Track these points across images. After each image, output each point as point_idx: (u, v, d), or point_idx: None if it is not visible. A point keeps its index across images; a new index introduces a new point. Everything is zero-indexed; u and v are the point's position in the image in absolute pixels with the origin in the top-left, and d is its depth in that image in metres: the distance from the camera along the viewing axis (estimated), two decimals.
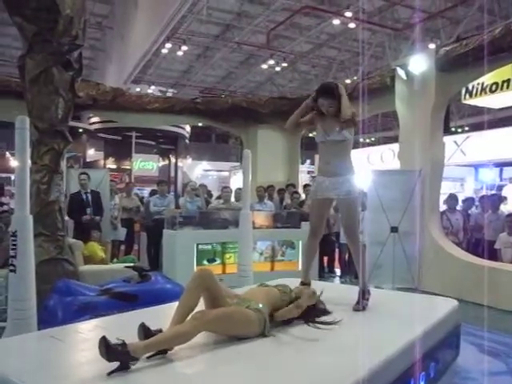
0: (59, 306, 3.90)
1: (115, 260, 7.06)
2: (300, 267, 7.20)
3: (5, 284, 4.06)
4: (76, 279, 4.53)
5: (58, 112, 4.67)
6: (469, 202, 8.20)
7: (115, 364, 2.00)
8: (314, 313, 2.84)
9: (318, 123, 3.45)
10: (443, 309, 3.28)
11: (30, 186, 3.52)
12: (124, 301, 4.04)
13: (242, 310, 2.49)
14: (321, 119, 3.43)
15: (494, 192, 11.61)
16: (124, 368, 2.01)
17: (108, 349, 1.99)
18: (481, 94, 10.47)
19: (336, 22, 14.38)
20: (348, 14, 13.63)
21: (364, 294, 3.30)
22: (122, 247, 8.61)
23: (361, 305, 3.22)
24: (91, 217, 6.93)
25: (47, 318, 3.64)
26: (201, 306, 2.51)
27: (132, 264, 5.28)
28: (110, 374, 1.98)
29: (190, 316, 2.32)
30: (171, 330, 2.26)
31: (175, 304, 3.21)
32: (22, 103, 4.83)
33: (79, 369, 2.11)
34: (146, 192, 16.44)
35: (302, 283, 3.50)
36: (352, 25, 14.32)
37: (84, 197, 7.08)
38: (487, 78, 9.62)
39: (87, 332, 2.64)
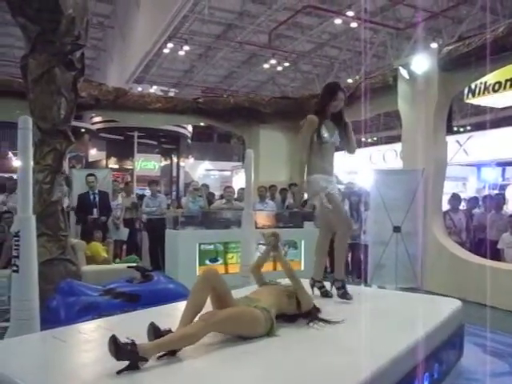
0: (62, 306, 3.91)
1: (118, 260, 7.06)
2: (303, 267, 7.20)
3: (8, 284, 4.06)
4: (78, 279, 4.54)
5: (60, 112, 4.67)
6: (472, 201, 8.18)
7: (119, 364, 2.00)
8: (317, 312, 2.86)
9: (319, 126, 3.51)
10: (447, 309, 3.26)
11: (32, 186, 3.52)
12: (127, 301, 4.05)
13: (250, 310, 2.49)
14: (322, 122, 3.53)
15: (496, 192, 11.59)
16: (133, 368, 2.01)
17: (117, 348, 1.98)
18: (484, 93, 10.44)
19: (338, 21, 14.39)
20: (350, 13, 13.62)
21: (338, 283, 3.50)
22: (125, 247, 8.61)
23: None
24: (97, 217, 6.96)
25: (50, 318, 3.64)
26: (208, 306, 2.50)
27: (134, 264, 5.28)
28: (119, 372, 1.98)
29: (197, 317, 2.32)
30: (180, 331, 2.25)
31: (178, 304, 3.22)
32: (24, 103, 4.84)
33: (82, 370, 2.11)
34: (148, 192, 16.47)
35: (315, 281, 3.53)
36: (354, 24, 14.32)
37: (92, 197, 7.12)
38: (490, 78, 9.59)
39: (90, 332, 2.63)
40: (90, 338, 2.53)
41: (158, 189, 8.69)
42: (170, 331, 2.24)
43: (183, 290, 4.55)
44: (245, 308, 2.51)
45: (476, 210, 8.08)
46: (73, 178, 7.62)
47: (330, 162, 3.56)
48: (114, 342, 1.98)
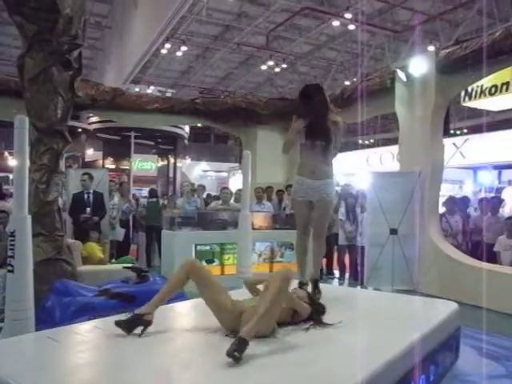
0: (57, 306, 3.89)
1: (113, 260, 7.04)
2: None
3: (2, 284, 4.04)
4: (74, 279, 4.51)
5: (57, 111, 4.64)
6: (464, 201, 8.08)
7: (115, 364, 1.99)
8: (314, 315, 2.84)
9: (303, 127, 3.47)
10: (443, 312, 3.26)
11: (28, 186, 3.50)
12: (122, 301, 4.03)
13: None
14: (305, 123, 3.47)
15: (492, 194, 11.64)
16: (146, 326, 2.51)
17: (125, 323, 2.46)
18: (480, 96, 10.47)
19: (336, 23, 14.39)
20: (348, 15, 13.63)
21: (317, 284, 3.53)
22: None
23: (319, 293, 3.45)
24: (90, 217, 6.91)
25: (45, 319, 3.63)
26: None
27: (130, 264, 5.26)
28: (141, 334, 2.47)
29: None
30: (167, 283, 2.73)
31: (173, 305, 3.21)
32: (20, 102, 4.80)
33: (76, 370, 2.09)
34: (144, 192, 16.45)
35: (301, 283, 3.50)
36: (351, 26, 14.32)
37: (86, 196, 7.07)
38: (486, 81, 9.63)
39: (85, 333, 2.62)
40: (85, 338, 2.52)
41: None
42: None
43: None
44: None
45: (473, 213, 8.07)
46: (69, 178, 7.58)
47: (314, 164, 3.47)
48: (119, 324, 2.47)
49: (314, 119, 3.43)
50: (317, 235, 3.62)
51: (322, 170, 3.48)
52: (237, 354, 2.09)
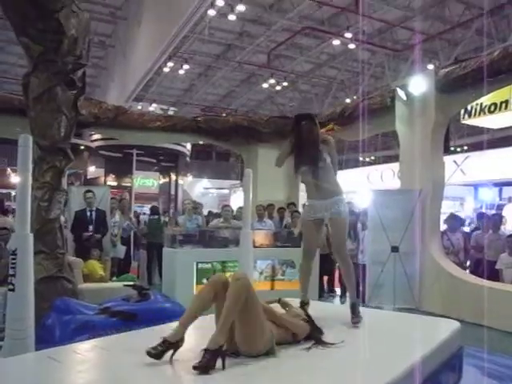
0: (57, 324, 3.87)
1: (114, 278, 7.02)
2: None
3: (3, 302, 4.03)
4: (75, 297, 4.51)
5: (60, 130, 4.70)
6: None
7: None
8: (313, 333, 2.83)
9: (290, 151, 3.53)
10: (445, 331, 3.24)
11: (30, 203, 3.53)
12: (123, 320, 4.02)
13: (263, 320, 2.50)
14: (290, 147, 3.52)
15: (493, 211, 11.62)
16: (176, 349, 2.37)
17: (155, 352, 2.31)
18: (480, 114, 10.55)
19: (336, 42, 14.61)
20: (348, 34, 13.84)
21: (356, 307, 3.36)
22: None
23: (357, 317, 3.29)
24: (92, 234, 6.93)
25: (45, 337, 3.61)
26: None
27: (131, 282, 5.25)
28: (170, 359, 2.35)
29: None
30: (190, 306, 2.49)
31: (174, 323, 3.19)
32: (24, 120, 4.87)
33: None
34: (146, 209, 16.48)
35: (302, 303, 3.49)
36: (352, 45, 14.54)
37: (89, 214, 7.10)
38: (486, 99, 9.72)
39: (85, 352, 2.61)
40: (85, 358, 2.51)
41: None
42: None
43: (180, 309, 4.51)
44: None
45: (476, 231, 7.99)
46: (71, 195, 7.60)
47: (318, 184, 3.45)
48: (149, 353, 2.30)
49: (300, 145, 3.47)
50: (336, 254, 3.60)
51: (326, 190, 3.47)
52: (202, 367, 2.19)
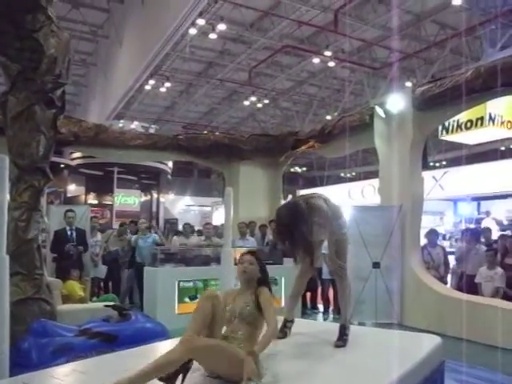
0: (34, 348, 3.79)
1: (95, 298, 6.91)
2: (283, 304, 7.12)
3: None
4: (53, 319, 4.41)
5: (39, 149, 4.64)
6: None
7: None
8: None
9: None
10: (426, 346, 3.26)
11: (7, 224, 3.47)
12: (103, 341, 3.95)
13: (237, 350, 2.32)
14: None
15: (472, 225, 11.83)
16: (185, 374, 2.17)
17: (167, 378, 2.09)
18: (457, 130, 10.78)
19: (316, 60, 14.86)
20: (327, 53, 14.10)
21: (345, 330, 3.28)
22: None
23: (342, 341, 3.19)
24: (75, 244, 6.88)
25: (21, 362, 3.52)
26: None
27: (112, 303, 5.17)
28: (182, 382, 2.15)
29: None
30: (156, 359, 2.15)
31: (156, 344, 3.15)
32: (2, 140, 4.80)
33: None
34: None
35: (286, 321, 3.47)
36: (331, 63, 14.80)
37: (69, 233, 7.05)
38: (462, 116, 9.94)
39: (63, 377, 2.53)
40: (62, 383, 2.44)
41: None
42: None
43: (162, 329, 4.47)
44: (232, 346, 2.37)
45: (459, 244, 8.08)
46: (50, 214, 7.49)
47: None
48: (161, 379, 2.09)
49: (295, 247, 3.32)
50: (334, 274, 3.51)
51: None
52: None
